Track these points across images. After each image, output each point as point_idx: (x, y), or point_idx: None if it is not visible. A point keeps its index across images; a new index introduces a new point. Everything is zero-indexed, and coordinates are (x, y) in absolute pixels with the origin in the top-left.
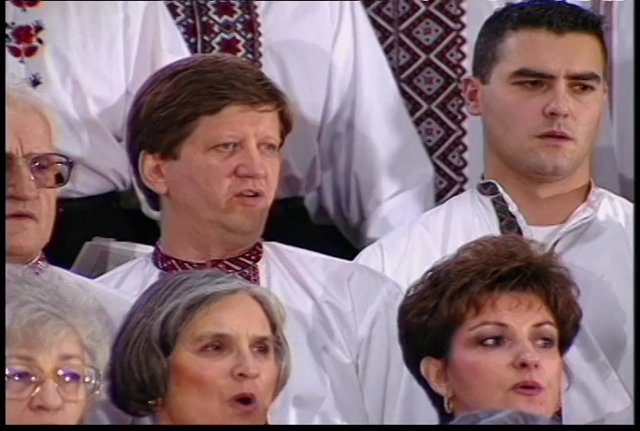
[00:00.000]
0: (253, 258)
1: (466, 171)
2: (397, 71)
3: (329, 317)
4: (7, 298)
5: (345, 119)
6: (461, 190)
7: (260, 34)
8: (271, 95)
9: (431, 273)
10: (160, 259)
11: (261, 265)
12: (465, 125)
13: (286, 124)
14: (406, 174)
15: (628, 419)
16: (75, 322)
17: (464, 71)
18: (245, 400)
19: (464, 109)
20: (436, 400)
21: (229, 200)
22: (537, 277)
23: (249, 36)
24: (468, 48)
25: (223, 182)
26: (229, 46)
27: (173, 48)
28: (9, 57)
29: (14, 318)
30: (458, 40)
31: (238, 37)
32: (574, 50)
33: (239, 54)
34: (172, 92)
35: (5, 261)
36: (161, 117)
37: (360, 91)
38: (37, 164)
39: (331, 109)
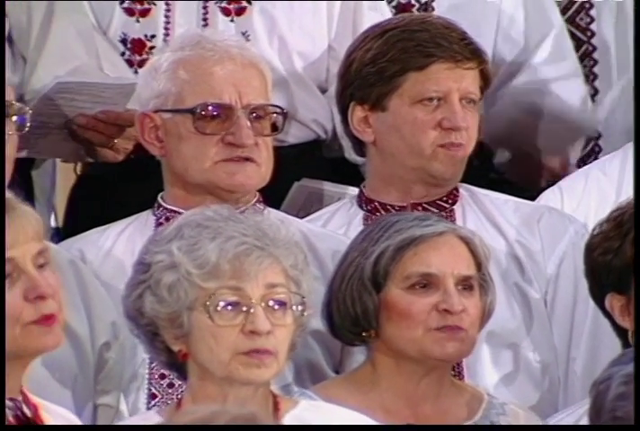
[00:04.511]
0: (450, 201)
1: None
2: None
3: (520, 256)
4: (214, 235)
5: (518, 63)
6: None
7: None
8: (474, 54)
9: (616, 213)
10: (364, 202)
11: (457, 208)
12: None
13: (485, 81)
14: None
15: None
16: (278, 253)
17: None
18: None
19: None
20: (620, 332)
21: (433, 151)
22: None
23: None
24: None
25: (428, 134)
26: (404, 9)
27: (374, 6)
28: (220, 17)
29: (221, 252)
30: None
31: (413, 1)
32: None
33: None
34: (382, 49)
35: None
36: (371, 72)
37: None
38: (254, 115)
39: (504, 53)
